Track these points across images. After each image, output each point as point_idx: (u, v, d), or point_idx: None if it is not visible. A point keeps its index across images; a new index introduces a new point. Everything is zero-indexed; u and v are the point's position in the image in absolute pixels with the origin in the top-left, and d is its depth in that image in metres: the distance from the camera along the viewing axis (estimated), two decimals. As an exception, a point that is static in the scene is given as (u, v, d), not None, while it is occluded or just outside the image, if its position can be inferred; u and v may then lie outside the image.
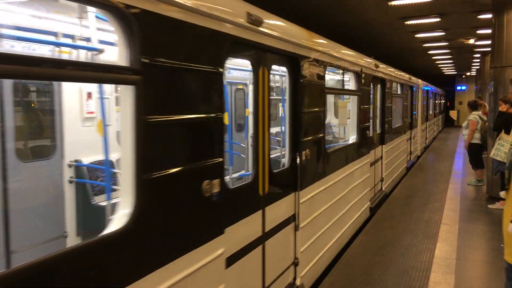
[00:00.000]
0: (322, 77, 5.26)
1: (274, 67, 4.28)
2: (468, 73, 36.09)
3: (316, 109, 5.11)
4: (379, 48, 19.06)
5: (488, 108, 10.73)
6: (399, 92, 11.98)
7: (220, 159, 3.12)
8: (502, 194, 3.01)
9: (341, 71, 8.33)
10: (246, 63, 4.59)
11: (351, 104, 7.34)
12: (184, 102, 2.73)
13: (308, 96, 4.83)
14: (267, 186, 3.97)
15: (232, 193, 3.38)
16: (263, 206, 3.92)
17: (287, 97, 4.60)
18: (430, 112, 21.60)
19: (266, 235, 3.97)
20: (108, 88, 5.20)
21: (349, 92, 7.55)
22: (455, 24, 14.10)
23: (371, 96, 8.39)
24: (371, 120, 8.36)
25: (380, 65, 8.84)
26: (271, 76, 7.58)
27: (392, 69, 10.73)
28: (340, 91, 8.07)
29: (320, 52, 5.17)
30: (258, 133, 3.86)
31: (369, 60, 8.10)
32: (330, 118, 11.38)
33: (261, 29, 3.69)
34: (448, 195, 9.73)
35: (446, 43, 18.75)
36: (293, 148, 4.60)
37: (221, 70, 3.12)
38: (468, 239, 6.73)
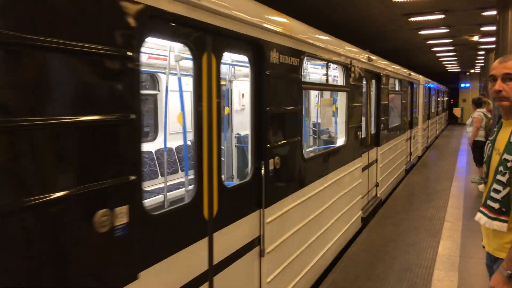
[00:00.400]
0: (297, 69, 4.38)
1: (227, 54, 3.39)
2: (472, 70, 35.57)
3: (289, 108, 4.23)
4: (382, 45, 19.04)
5: (492, 105, 10.46)
6: (397, 89, 11.06)
7: (132, 177, 2.25)
8: (481, 187, 2.34)
9: (331, 65, 7.37)
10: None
11: (339, 101, 6.45)
12: (50, 97, 1.85)
13: (277, 91, 3.95)
14: (216, 206, 3.10)
15: (153, 222, 2.51)
16: (211, 232, 3.05)
17: (249, 92, 3.72)
18: (432, 110, 20.66)
19: (215, 269, 3.10)
20: None
21: (335, 88, 6.64)
22: (459, 21, 14.18)
23: (364, 92, 7.49)
24: (363, 119, 7.47)
25: (374, 59, 7.93)
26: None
27: (389, 63, 9.80)
28: (323, 87, 7.11)
29: (294, 38, 4.28)
30: (201, 138, 2.98)
31: (361, 52, 7.20)
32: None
33: (202, 3, 2.82)
34: (451, 193, 9.62)
35: (450, 40, 18.68)
36: (257, 156, 3.73)
37: (131, 54, 2.25)
38: (471, 236, 6.59)
